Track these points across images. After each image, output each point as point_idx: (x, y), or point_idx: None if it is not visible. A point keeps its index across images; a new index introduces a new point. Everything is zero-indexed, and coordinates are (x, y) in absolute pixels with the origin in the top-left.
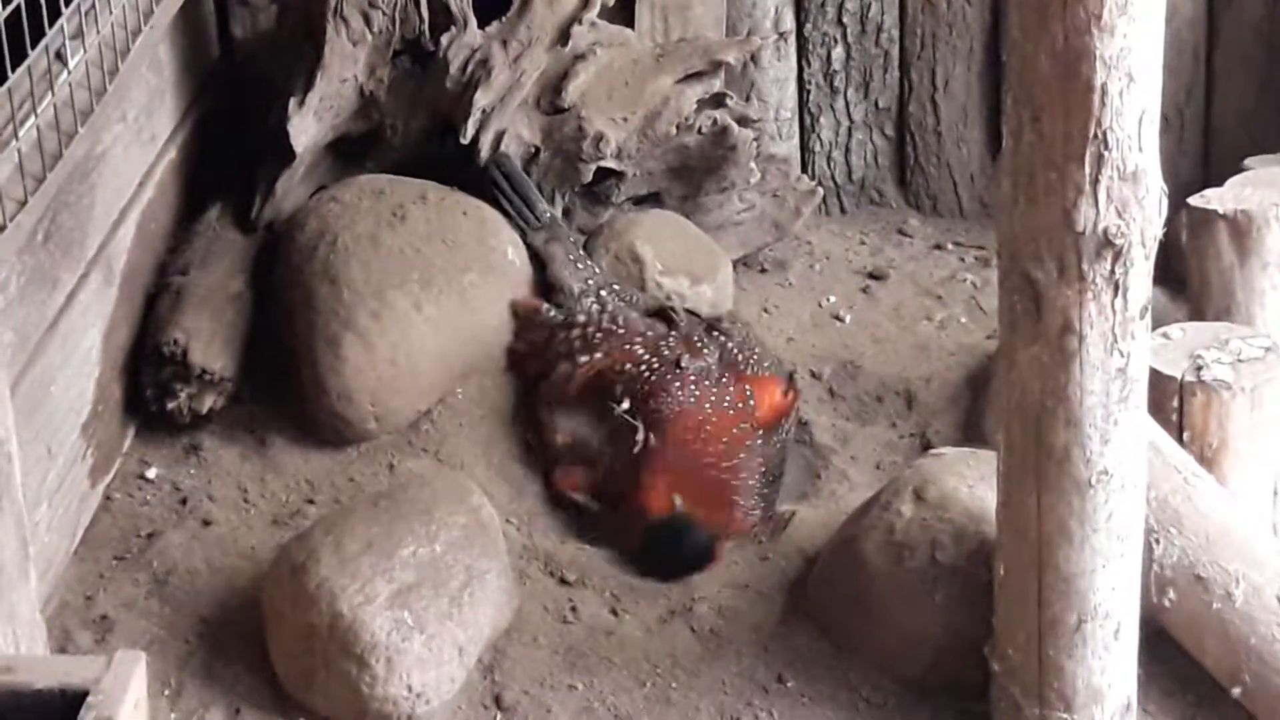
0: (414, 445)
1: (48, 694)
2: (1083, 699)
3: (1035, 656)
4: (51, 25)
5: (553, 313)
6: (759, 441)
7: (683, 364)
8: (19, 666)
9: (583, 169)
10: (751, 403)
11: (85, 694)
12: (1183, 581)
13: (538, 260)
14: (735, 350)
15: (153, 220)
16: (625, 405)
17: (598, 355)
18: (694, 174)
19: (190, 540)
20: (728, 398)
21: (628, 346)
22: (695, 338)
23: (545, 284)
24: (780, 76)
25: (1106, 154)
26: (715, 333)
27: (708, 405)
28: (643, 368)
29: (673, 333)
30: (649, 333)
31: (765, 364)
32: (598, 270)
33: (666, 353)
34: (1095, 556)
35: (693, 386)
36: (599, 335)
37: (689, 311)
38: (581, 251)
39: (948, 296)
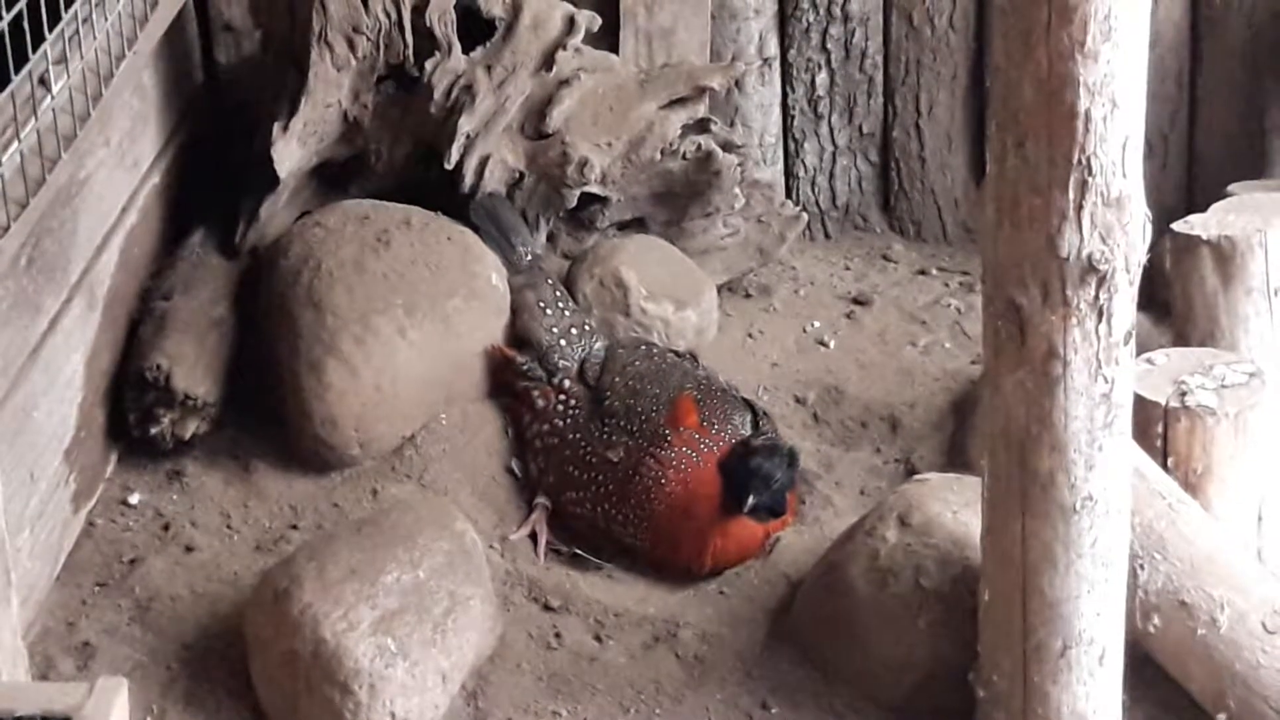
0: (398, 471)
1: None
2: None
3: (1020, 682)
4: (35, 51)
5: (525, 365)
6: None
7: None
8: (1, 693)
9: (567, 194)
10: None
11: None
12: (1167, 607)
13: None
14: None
15: (136, 245)
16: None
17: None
18: (678, 199)
19: (173, 566)
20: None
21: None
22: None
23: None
24: (764, 102)
25: (1090, 180)
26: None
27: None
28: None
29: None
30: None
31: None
32: (566, 314)
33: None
34: (1080, 582)
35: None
36: (548, 431)
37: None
38: (558, 292)
39: (932, 322)
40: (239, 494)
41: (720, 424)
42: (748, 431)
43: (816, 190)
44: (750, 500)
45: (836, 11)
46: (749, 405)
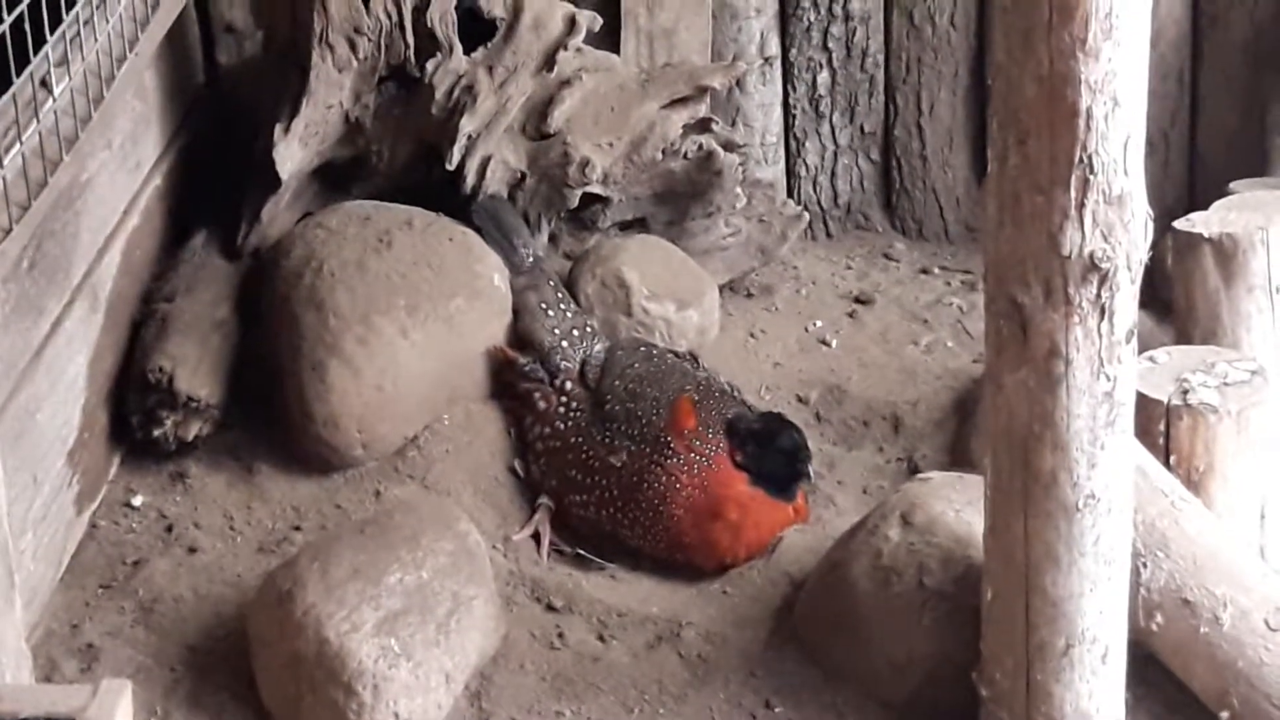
0: (400, 472)
1: None
2: None
3: (1023, 681)
4: (37, 53)
5: (527, 366)
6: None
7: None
8: (5, 695)
9: (568, 194)
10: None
11: None
12: (1170, 605)
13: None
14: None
15: (138, 247)
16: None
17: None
18: (680, 199)
19: (176, 568)
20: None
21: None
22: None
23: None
24: (766, 101)
25: (1092, 178)
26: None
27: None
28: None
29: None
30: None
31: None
32: (568, 315)
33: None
34: (1083, 580)
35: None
36: (549, 433)
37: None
38: (560, 293)
39: (934, 321)
40: (242, 495)
41: (719, 425)
42: None
43: (818, 189)
44: (811, 470)
45: (837, 10)
46: (746, 408)
